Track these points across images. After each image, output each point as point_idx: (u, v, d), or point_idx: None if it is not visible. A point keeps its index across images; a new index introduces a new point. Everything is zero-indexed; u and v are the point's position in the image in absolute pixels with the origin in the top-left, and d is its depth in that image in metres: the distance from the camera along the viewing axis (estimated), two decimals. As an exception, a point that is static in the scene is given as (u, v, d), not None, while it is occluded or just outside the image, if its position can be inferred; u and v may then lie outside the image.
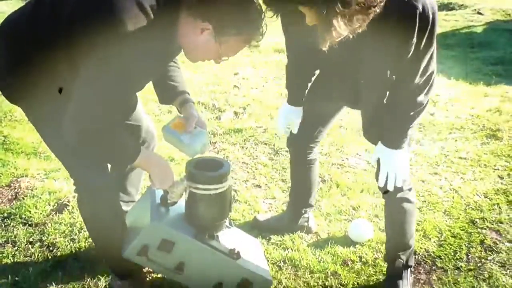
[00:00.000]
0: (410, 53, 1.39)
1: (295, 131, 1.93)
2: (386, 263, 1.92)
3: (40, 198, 2.48)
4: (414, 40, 1.36)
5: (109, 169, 1.64)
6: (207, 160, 1.64)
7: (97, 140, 1.32)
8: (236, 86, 4.43)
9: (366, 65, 1.53)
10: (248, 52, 5.75)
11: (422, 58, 1.42)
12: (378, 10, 1.22)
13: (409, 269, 1.89)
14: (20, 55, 1.36)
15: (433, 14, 1.35)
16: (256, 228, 2.21)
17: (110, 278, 1.87)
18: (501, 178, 2.77)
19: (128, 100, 1.65)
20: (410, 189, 1.78)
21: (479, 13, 9.75)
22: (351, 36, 1.25)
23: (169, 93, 1.70)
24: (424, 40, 1.37)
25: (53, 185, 2.61)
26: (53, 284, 1.88)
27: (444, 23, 8.74)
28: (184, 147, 1.62)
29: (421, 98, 1.52)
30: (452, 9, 10.63)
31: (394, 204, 1.76)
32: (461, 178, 2.77)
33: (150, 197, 1.66)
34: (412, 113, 1.55)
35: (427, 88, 1.51)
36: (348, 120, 3.55)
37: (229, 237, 1.73)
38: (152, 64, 1.39)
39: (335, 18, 1.16)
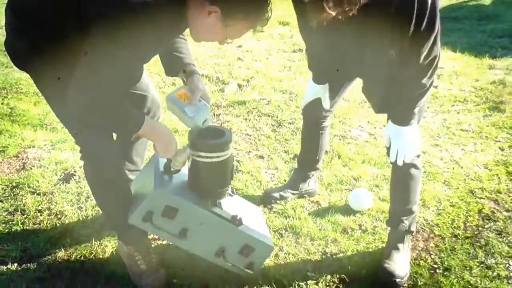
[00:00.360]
0: (410, 37, 1.42)
1: (327, 106, 2.02)
2: (388, 227, 1.97)
3: (47, 168, 2.54)
4: (413, 24, 1.39)
5: (114, 138, 1.68)
6: (209, 129, 1.67)
7: (102, 109, 1.35)
8: (239, 59, 4.42)
9: (370, 47, 1.58)
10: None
11: (423, 42, 1.44)
12: None
13: (410, 235, 1.94)
14: (31, 23, 1.38)
15: (432, 1, 1.37)
16: (266, 198, 2.27)
17: (117, 244, 1.93)
18: (502, 149, 2.79)
19: (135, 71, 1.67)
20: (418, 156, 1.82)
21: (488, -15, 9.59)
22: (342, 18, 1.30)
23: (175, 64, 1.71)
24: (424, 25, 1.40)
25: (59, 155, 2.66)
26: (62, 250, 1.95)
27: (452, -6, 8.62)
28: (186, 118, 1.64)
29: (424, 80, 1.55)
30: (461, -20, 10.45)
31: (402, 169, 1.79)
32: (462, 149, 2.80)
33: (154, 165, 1.70)
34: (416, 94, 1.60)
35: (430, 71, 1.54)
36: (351, 93, 3.55)
37: (232, 205, 1.78)
38: (160, 39, 1.41)
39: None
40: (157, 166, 1.68)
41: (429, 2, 1.37)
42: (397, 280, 1.77)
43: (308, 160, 2.29)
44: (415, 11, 1.38)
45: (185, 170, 1.71)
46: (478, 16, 7.03)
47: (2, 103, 3.41)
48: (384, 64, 1.57)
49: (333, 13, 1.28)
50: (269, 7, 1.37)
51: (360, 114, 3.24)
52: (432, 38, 1.44)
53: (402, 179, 1.87)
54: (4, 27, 1.53)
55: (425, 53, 1.46)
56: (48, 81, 1.45)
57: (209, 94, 1.75)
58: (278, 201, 2.24)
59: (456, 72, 4.07)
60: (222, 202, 1.72)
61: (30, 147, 2.77)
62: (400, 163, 1.72)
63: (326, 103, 2.01)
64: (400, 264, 1.82)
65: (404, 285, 1.79)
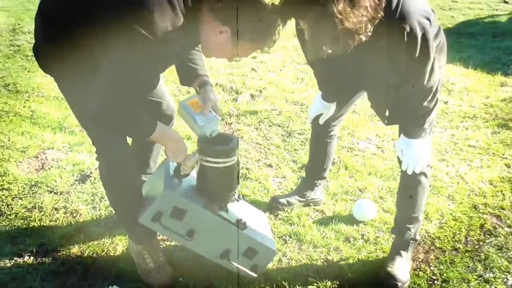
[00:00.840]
0: (406, 66, 1.54)
1: (321, 122, 2.13)
2: (393, 235, 2.03)
3: (65, 169, 2.65)
4: (406, 54, 1.50)
5: (128, 142, 1.78)
6: (217, 135, 1.76)
7: (117, 114, 1.45)
8: (253, 69, 4.53)
9: (371, 72, 1.70)
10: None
11: (420, 70, 1.55)
12: (364, 38, 1.39)
13: (414, 243, 2.01)
14: (57, 30, 1.49)
15: (423, 32, 1.47)
16: (273, 204, 2.35)
17: (127, 243, 2.02)
18: (508, 166, 2.83)
19: (151, 80, 1.77)
20: (428, 165, 1.90)
21: (505, 2, 9.56)
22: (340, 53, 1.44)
23: (189, 74, 1.82)
24: (417, 56, 1.50)
25: (77, 157, 2.78)
26: (75, 246, 2.05)
27: (468, 11, 8.63)
28: (196, 127, 1.73)
29: (426, 104, 1.65)
30: (479, -4, 10.46)
31: (411, 176, 1.86)
32: (468, 165, 2.84)
33: (164, 169, 1.80)
34: (420, 114, 1.69)
35: (430, 96, 1.64)
36: (360, 106, 3.62)
37: (238, 209, 1.86)
38: (175, 51, 1.51)
39: (323, 39, 1.38)
40: (167, 170, 1.77)
41: (420, 35, 1.47)
42: (399, 284, 1.83)
43: (315, 169, 2.36)
44: (404, 45, 1.48)
45: (194, 174, 1.80)
46: (493, 32, 7.04)
47: (24, 106, 3.56)
48: (386, 87, 1.66)
49: (329, 51, 1.41)
50: (276, 31, 1.48)
51: (369, 127, 3.30)
52: (429, 67, 1.54)
53: (411, 186, 1.94)
54: (33, 33, 1.65)
55: (424, 80, 1.56)
56: (70, 84, 1.56)
57: (220, 105, 1.85)
58: (284, 208, 2.31)
59: (467, 88, 4.10)
60: (228, 206, 1.80)
61: (49, 149, 2.89)
62: (410, 172, 1.81)
63: (322, 120, 2.12)
64: (402, 270, 1.88)
65: (403, 293, 1.84)
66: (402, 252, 1.95)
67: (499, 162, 2.87)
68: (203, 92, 1.78)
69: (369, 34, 1.41)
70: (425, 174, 1.90)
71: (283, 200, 2.34)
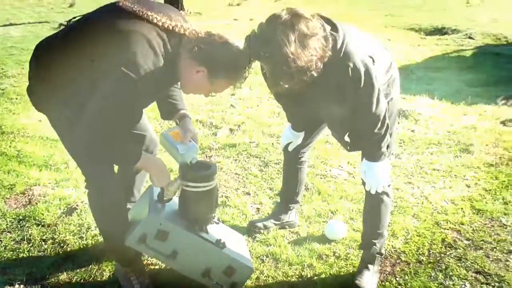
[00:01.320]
0: (354, 98, 1.77)
1: (290, 149, 2.37)
2: (361, 250, 2.21)
3: (52, 203, 2.77)
4: (352, 87, 1.74)
5: (115, 171, 1.94)
6: (197, 162, 1.93)
7: (106, 146, 1.63)
8: (232, 106, 4.76)
9: (326, 105, 1.94)
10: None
11: (367, 102, 1.78)
12: (315, 74, 1.62)
13: (380, 257, 2.18)
14: (50, 72, 1.68)
15: (366, 68, 1.72)
16: (250, 228, 2.51)
17: (114, 268, 2.15)
18: (468, 187, 3.05)
19: (136, 115, 1.96)
20: (389, 185, 2.10)
21: (470, 38, 10.13)
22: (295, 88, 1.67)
23: (170, 109, 2.02)
24: (362, 88, 1.74)
25: (63, 192, 2.91)
26: (64, 273, 2.16)
27: (435, 47, 9.13)
28: (177, 155, 1.92)
29: (376, 130, 1.87)
30: (445, 33, 11.02)
31: (375, 196, 2.06)
32: (432, 186, 3.06)
33: (149, 195, 1.96)
34: (374, 140, 1.91)
35: (379, 124, 1.86)
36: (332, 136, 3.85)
37: (217, 231, 2.02)
38: (157, 89, 1.73)
39: (280, 76, 1.61)
40: (151, 196, 1.93)
41: (363, 70, 1.71)
42: None
43: (288, 193, 2.54)
44: (350, 78, 1.71)
45: (176, 199, 1.96)
46: (458, 66, 7.48)
47: (10, 146, 3.68)
48: (341, 117, 1.89)
49: (286, 86, 1.64)
50: (246, 69, 1.70)
51: (341, 156, 3.51)
52: (375, 98, 1.77)
53: (375, 205, 2.13)
54: (27, 75, 1.83)
55: (372, 109, 1.79)
56: (61, 120, 1.73)
57: (198, 136, 2.04)
58: (261, 231, 2.48)
59: (432, 118, 4.39)
60: (208, 228, 1.96)
61: (35, 185, 3.01)
62: (373, 192, 2.00)
63: (291, 147, 2.35)
64: (369, 282, 2.04)
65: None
66: (369, 266, 2.11)
67: (460, 183, 3.10)
68: (182, 124, 1.97)
69: (319, 71, 1.63)
70: (387, 194, 2.10)
71: (260, 224, 2.50)
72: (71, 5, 16.10)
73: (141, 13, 1.61)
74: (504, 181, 3.10)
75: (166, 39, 1.64)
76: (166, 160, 2.31)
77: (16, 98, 5.09)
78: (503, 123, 4.23)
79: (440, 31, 11.22)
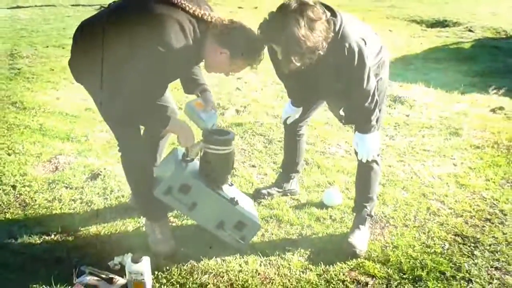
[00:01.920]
0: (349, 74, 2.07)
1: (288, 123, 2.67)
2: (354, 213, 2.51)
3: (77, 169, 3.07)
4: (347, 65, 2.03)
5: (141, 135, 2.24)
6: (218, 129, 2.24)
7: (142, 113, 1.92)
8: (238, 89, 5.04)
9: (324, 81, 2.23)
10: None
11: (359, 77, 2.07)
12: (322, 53, 1.92)
13: (370, 219, 2.48)
14: (91, 50, 1.96)
15: (359, 48, 2.01)
16: (256, 194, 2.82)
17: (135, 225, 2.45)
18: (455, 165, 3.34)
19: (164, 88, 2.25)
20: (378, 155, 2.40)
21: (470, 31, 10.36)
22: (303, 67, 1.98)
23: (192, 84, 2.32)
24: (356, 66, 2.03)
25: (86, 160, 3.21)
26: (93, 227, 2.46)
27: (436, 39, 9.37)
28: (200, 122, 2.22)
29: (367, 104, 2.15)
30: (446, 26, 11.26)
31: (366, 164, 2.35)
32: (422, 164, 3.35)
33: (173, 156, 2.27)
34: (365, 113, 2.18)
35: (370, 98, 2.14)
36: (333, 119, 4.14)
37: (230, 190, 2.32)
38: (184, 66, 2.03)
39: (293, 56, 1.89)
40: (176, 156, 2.24)
41: (356, 50, 2.00)
42: (357, 250, 2.29)
43: (289, 163, 2.84)
44: (345, 57, 2.00)
45: (197, 161, 2.26)
46: (456, 57, 7.73)
47: (32, 120, 3.98)
48: (337, 93, 2.18)
49: (298, 64, 1.93)
50: (262, 52, 2.02)
51: (340, 136, 3.81)
52: (366, 74, 2.06)
53: (366, 172, 2.43)
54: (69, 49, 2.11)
55: (363, 84, 2.08)
56: (99, 91, 2.02)
57: (217, 107, 2.33)
58: (266, 197, 2.77)
59: (426, 104, 4.67)
60: (224, 187, 2.26)
61: (60, 154, 3.30)
62: (364, 161, 2.29)
63: (290, 120, 2.65)
64: (360, 240, 2.34)
65: (361, 256, 2.29)
66: (361, 226, 2.41)
67: (448, 162, 3.39)
68: (204, 96, 2.27)
69: (324, 50, 1.92)
70: (376, 162, 2.39)
71: (264, 191, 2.80)
72: (77, -11, 16.31)
73: (176, 1, 1.89)
74: (488, 161, 3.39)
75: (196, 25, 1.93)
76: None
77: (33, 77, 5.38)
78: (493, 110, 4.52)
79: (442, 24, 11.44)
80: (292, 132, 2.76)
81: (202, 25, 1.96)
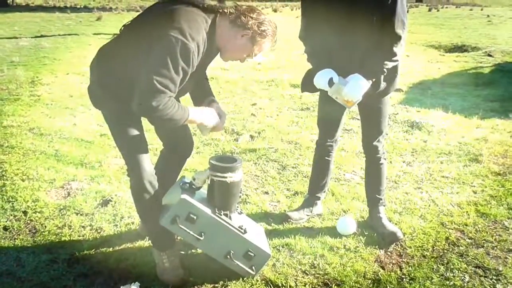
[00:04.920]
0: (385, 8, 2.17)
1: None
2: (369, 207, 2.76)
3: (88, 196, 3.06)
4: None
5: (152, 164, 2.21)
6: (225, 156, 2.20)
7: (167, 106, 1.88)
8: (253, 114, 5.03)
9: (358, 14, 2.22)
10: (266, 86, 6.41)
11: (393, 12, 2.17)
12: None
13: (384, 207, 2.77)
14: (108, 78, 1.98)
15: None
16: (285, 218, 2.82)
17: (144, 253, 2.40)
18: (475, 193, 3.23)
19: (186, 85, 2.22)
20: (384, 152, 2.69)
21: (489, 55, 10.26)
22: None
23: (201, 96, 2.29)
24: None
25: (98, 187, 3.20)
26: (101, 254, 2.43)
27: (454, 64, 9.28)
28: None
29: (398, 30, 2.20)
30: (465, 51, 11.19)
31: (375, 161, 2.68)
32: (440, 192, 3.24)
33: (180, 184, 2.22)
34: (393, 38, 2.22)
35: (400, 41, 2.23)
36: (349, 145, 4.08)
37: (239, 219, 2.26)
38: (200, 63, 1.99)
39: None
40: (183, 184, 2.19)
41: None
42: (398, 233, 2.61)
43: (317, 183, 2.88)
44: None
45: (204, 189, 2.22)
46: (475, 82, 7.61)
47: (48, 146, 4.02)
48: (367, 28, 2.22)
49: None
50: (276, 32, 2.09)
51: (355, 162, 3.73)
52: (398, 9, 2.16)
53: (375, 168, 2.70)
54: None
55: (397, 22, 2.17)
56: (115, 118, 2.02)
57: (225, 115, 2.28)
58: (297, 222, 2.78)
59: (445, 130, 4.57)
60: (232, 215, 2.20)
61: (73, 180, 3.31)
62: (347, 98, 2.30)
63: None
64: (393, 227, 2.65)
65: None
66: (382, 216, 2.70)
67: (467, 189, 3.28)
68: (212, 106, 2.22)
69: None
70: (384, 158, 2.69)
71: (295, 216, 2.80)
72: (98, 19, 16.81)
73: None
74: (510, 188, 3.27)
75: (207, 16, 1.96)
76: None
77: (52, 104, 5.47)
78: (514, 136, 4.39)
79: (460, 49, 11.38)
80: (324, 153, 2.81)
81: (213, 17, 1.99)
